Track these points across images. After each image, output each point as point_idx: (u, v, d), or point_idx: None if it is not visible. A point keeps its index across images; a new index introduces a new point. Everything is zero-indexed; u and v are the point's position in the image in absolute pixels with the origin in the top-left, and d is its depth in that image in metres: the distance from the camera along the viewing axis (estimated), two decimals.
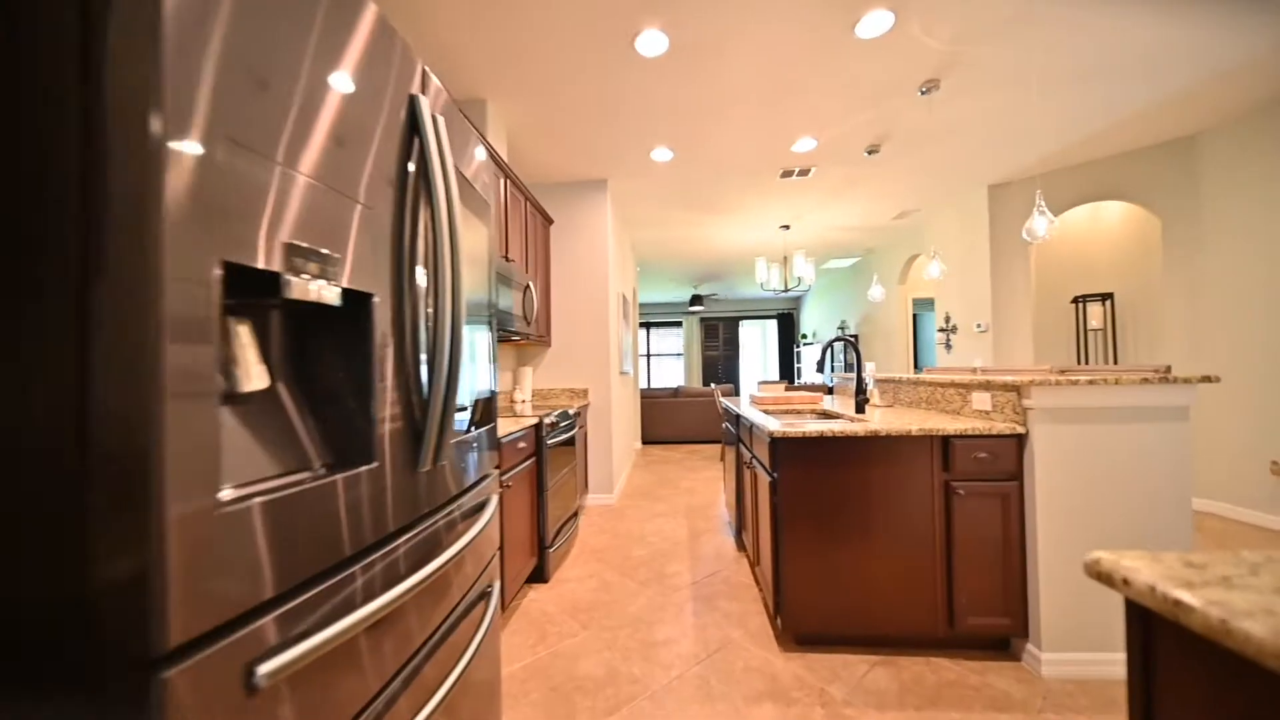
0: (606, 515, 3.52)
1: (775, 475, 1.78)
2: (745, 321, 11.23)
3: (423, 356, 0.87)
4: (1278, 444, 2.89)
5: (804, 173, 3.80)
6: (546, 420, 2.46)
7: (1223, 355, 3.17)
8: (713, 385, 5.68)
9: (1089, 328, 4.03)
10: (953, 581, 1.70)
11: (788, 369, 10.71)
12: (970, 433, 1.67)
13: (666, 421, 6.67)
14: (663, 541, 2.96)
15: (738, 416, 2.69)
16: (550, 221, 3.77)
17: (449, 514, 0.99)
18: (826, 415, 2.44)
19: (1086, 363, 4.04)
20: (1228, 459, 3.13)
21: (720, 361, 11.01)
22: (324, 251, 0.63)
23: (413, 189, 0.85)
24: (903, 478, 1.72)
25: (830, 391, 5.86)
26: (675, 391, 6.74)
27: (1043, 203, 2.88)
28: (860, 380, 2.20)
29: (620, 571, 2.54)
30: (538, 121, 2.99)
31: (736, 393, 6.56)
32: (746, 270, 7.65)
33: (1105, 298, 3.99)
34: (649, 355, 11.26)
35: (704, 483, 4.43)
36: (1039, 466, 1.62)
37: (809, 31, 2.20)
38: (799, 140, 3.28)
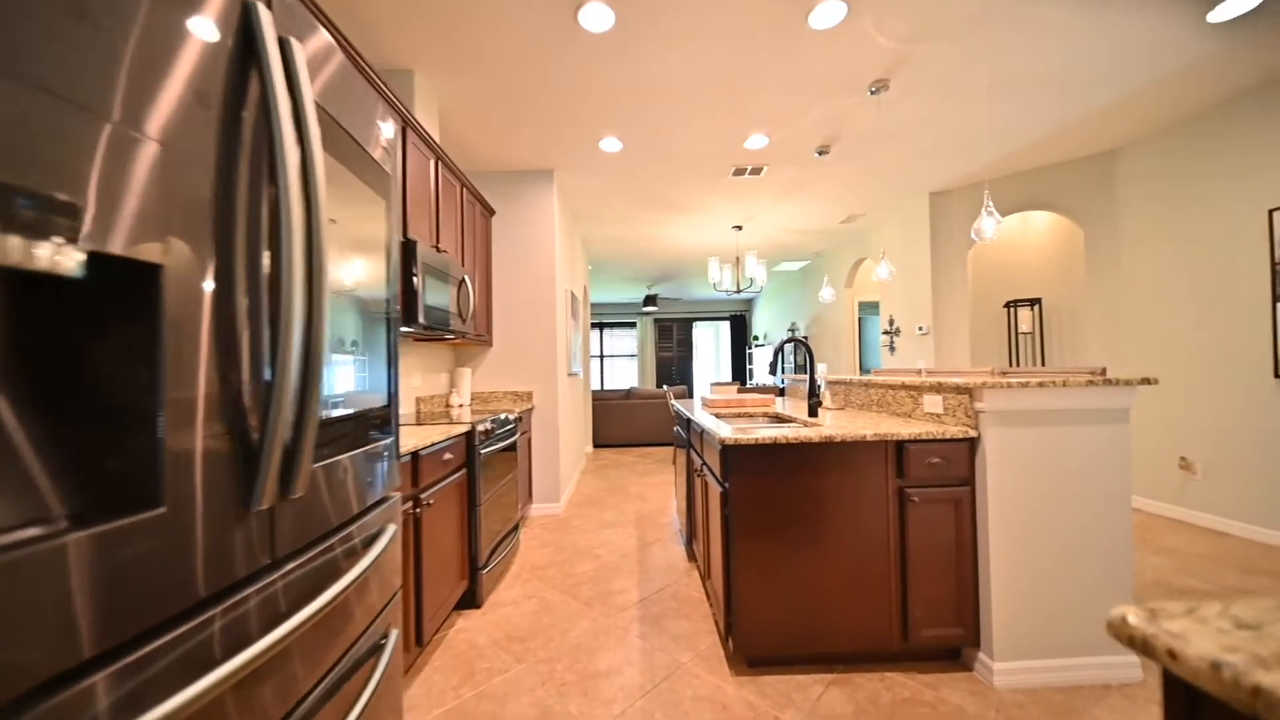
0: (552, 526, 3.31)
1: (726, 485, 1.66)
2: (699, 323, 11.27)
3: (271, 356, 0.65)
4: (1186, 441, 3.10)
5: (756, 171, 3.75)
6: (480, 427, 2.23)
7: (1138, 358, 3.38)
8: (665, 387, 5.57)
9: (1020, 331, 4.23)
10: (907, 592, 1.63)
11: (740, 370, 10.82)
12: (924, 437, 1.61)
13: (619, 424, 6.50)
14: (610, 554, 2.79)
15: (689, 421, 2.56)
16: (491, 212, 3.52)
17: (323, 553, 0.77)
18: (779, 419, 2.35)
19: (1017, 365, 4.23)
20: (1141, 456, 3.34)
21: (674, 362, 10.98)
22: (40, 194, 0.41)
23: (253, 133, 0.64)
24: (857, 485, 1.64)
25: (782, 393, 5.88)
26: (628, 393, 6.59)
27: (990, 203, 2.94)
28: (813, 383, 2.13)
29: (562, 590, 2.34)
30: (475, 101, 2.75)
31: (690, 394, 6.49)
32: (700, 271, 7.62)
33: (1034, 303, 4.20)
34: (602, 356, 11.06)
35: (655, 488, 4.29)
36: (991, 470, 1.58)
37: (761, 15, 2.10)
38: (751, 136, 3.21)
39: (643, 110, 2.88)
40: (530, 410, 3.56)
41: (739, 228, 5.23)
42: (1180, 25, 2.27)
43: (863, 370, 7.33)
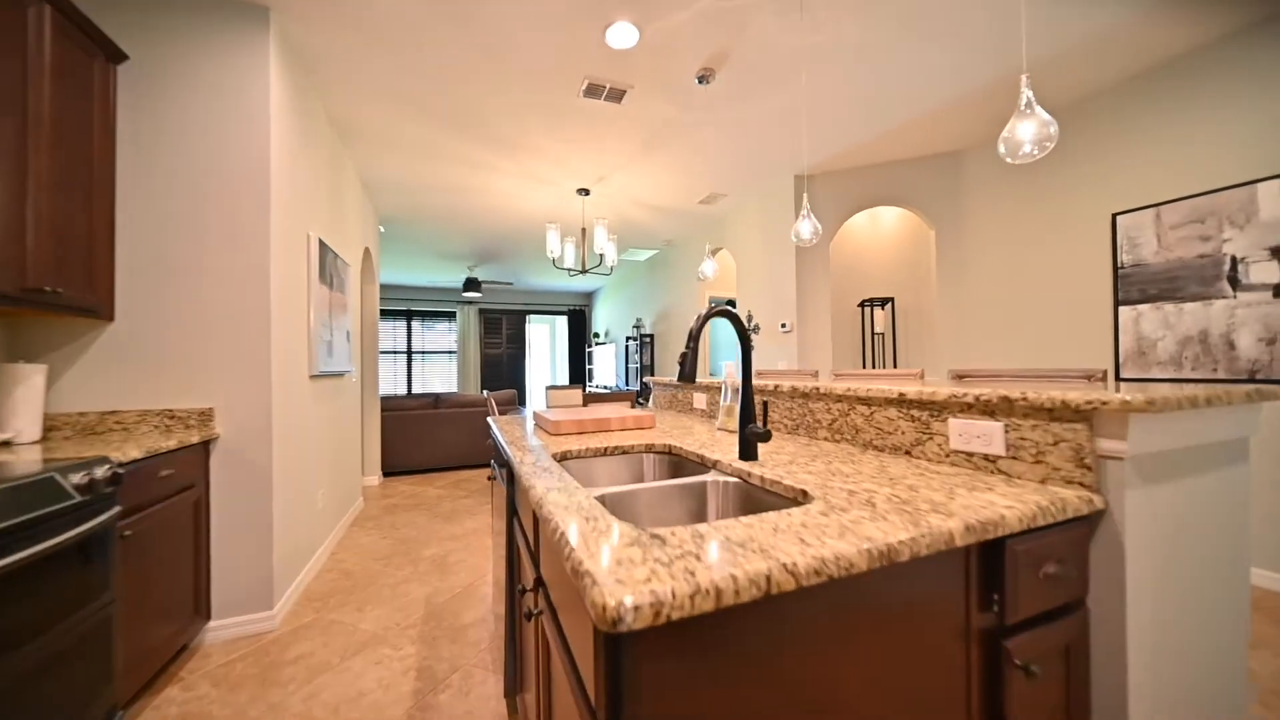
0: (250, 664, 1.74)
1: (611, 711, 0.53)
2: (534, 316, 9.93)
3: None
4: None
5: (616, 96, 2.72)
6: None
7: (984, 360, 3.34)
8: (486, 392, 4.21)
9: (874, 331, 4.08)
10: None
11: (580, 371, 9.84)
12: (1039, 522, 0.73)
13: (424, 442, 4.85)
14: None
15: (511, 473, 1.38)
16: (118, 58, 1.77)
17: None
18: (680, 458, 1.33)
19: (873, 367, 4.09)
20: None
21: (504, 362, 9.44)
22: None
23: None
24: (898, 647, 0.67)
25: (643, 398, 4.97)
26: (436, 400, 4.98)
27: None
28: (749, 398, 1.13)
29: None
30: None
31: (520, 400, 5.21)
32: (536, 250, 6.36)
33: (884, 302, 4.08)
34: (409, 352, 8.90)
35: (467, 542, 2.93)
36: (1133, 572, 0.78)
37: None
38: (616, 24, 2.16)
39: None
40: (210, 443, 1.90)
41: (585, 191, 4.17)
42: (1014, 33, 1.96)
43: (712, 373, 6.89)
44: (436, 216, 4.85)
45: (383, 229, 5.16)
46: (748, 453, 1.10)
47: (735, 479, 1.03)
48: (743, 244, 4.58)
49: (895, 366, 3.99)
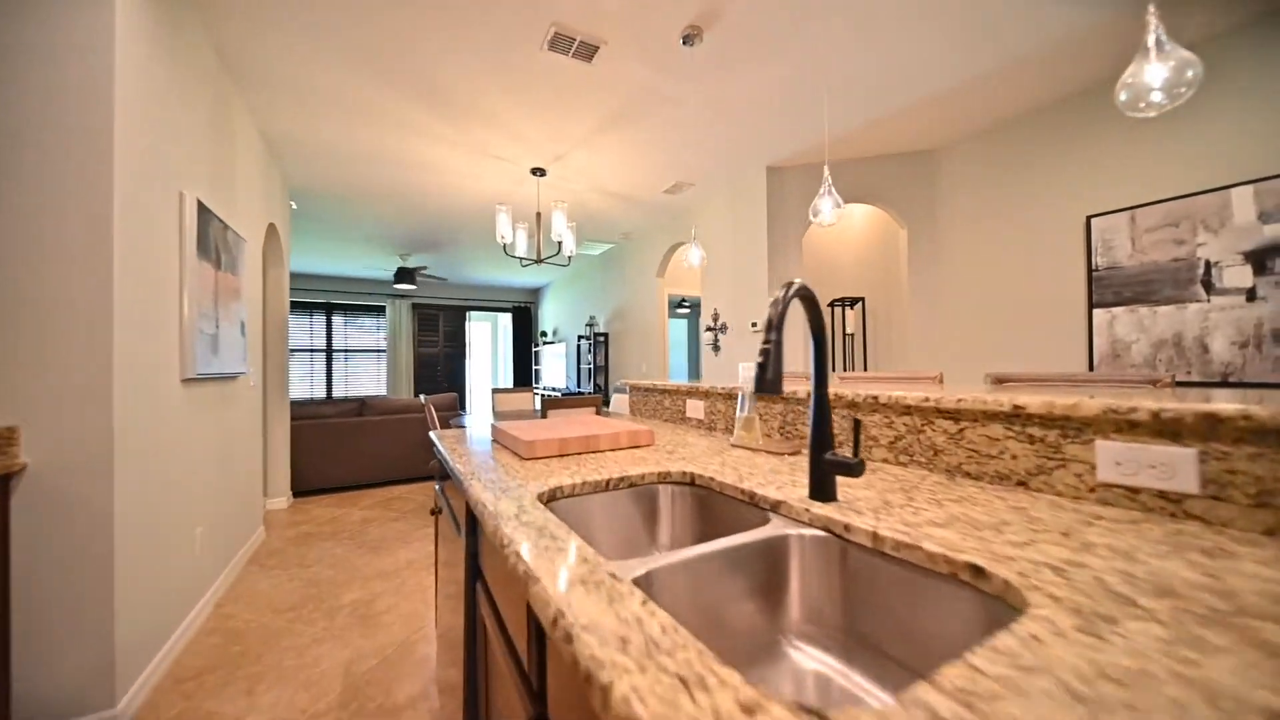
0: None
1: None
2: (475, 313, 9.23)
3: None
4: None
5: (586, 53, 2.34)
6: None
7: (957, 362, 3.29)
8: (423, 398, 3.66)
9: (845, 333, 3.97)
10: None
11: (525, 372, 9.26)
12: None
13: (345, 455, 4.18)
14: None
15: (473, 520, 0.99)
16: None
17: None
18: (707, 490, 0.99)
19: (850, 369, 3.98)
20: None
21: (440, 362, 8.67)
22: None
23: None
24: None
25: (604, 402, 4.55)
26: (361, 405, 4.32)
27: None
28: (824, 411, 0.80)
29: None
30: None
31: (461, 405, 4.65)
32: (480, 241, 5.79)
33: (854, 302, 3.99)
34: (329, 351, 7.93)
35: (398, 581, 2.43)
36: None
37: None
38: None
39: None
40: (8, 479, 1.32)
41: (540, 172, 3.73)
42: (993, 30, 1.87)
43: (696, 376, 6.37)
44: (364, 193, 4.20)
45: (294, 205, 4.41)
46: (824, 491, 0.78)
47: (818, 532, 0.71)
48: (708, 239, 4.33)
49: (866, 369, 3.90)
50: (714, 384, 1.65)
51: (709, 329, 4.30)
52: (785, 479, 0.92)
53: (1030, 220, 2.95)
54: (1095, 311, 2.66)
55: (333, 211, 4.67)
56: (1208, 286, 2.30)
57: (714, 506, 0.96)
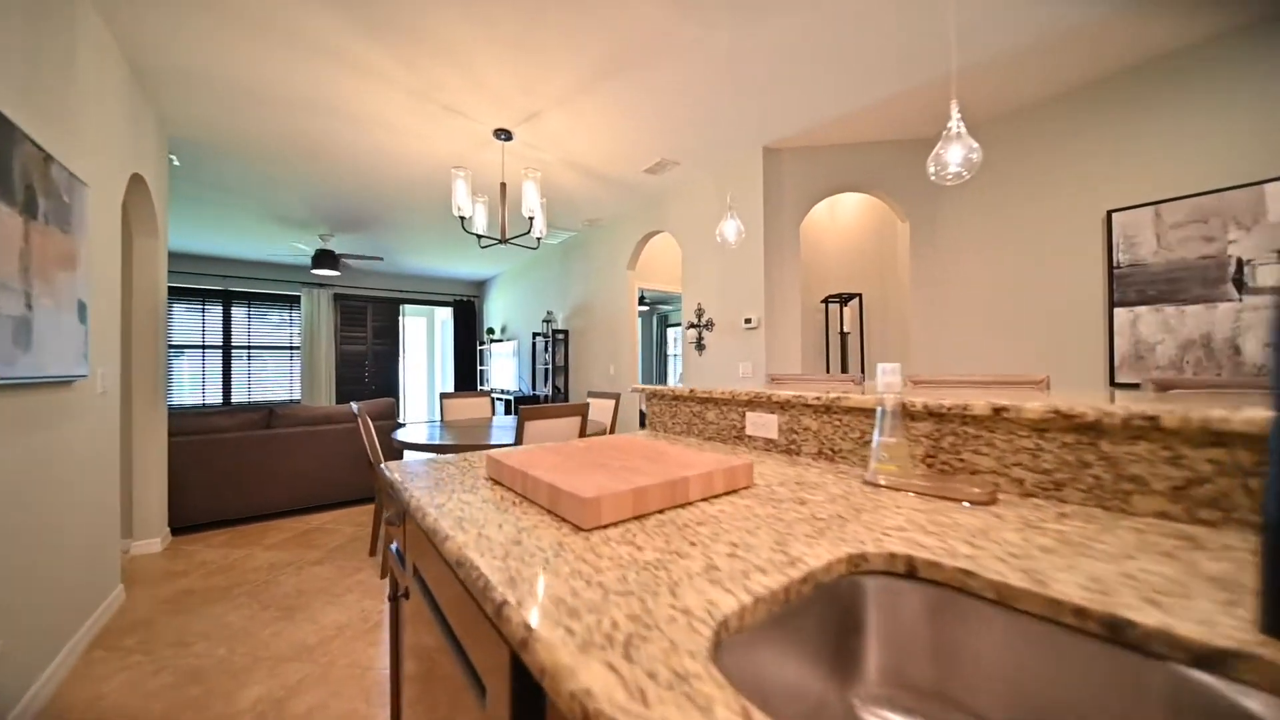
0: None
1: None
2: (411, 306, 8.25)
3: None
4: None
5: None
6: None
7: (960, 363, 3.12)
8: (354, 406, 2.94)
9: (843, 331, 3.71)
10: None
11: (469, 373, 8.42)
12: None
13: (247, 477, 3.33)
14: None
15: (535, 696, 0.47)
16: None
17: None
18: (939, 586, 0.54)
19: (844, 370, 3.72)
20: None
21: (368, 361, 7.64)
22: None
23: None
24: None
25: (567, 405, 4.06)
26: (269, 415, 3.48)
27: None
28: None
29: None
30: None
31: (396, 413, 3.92)
32: (423, 218, 5.02)
33: (848, 299, 3.74)
34: (227, 347, 6.70)
35: (325, 661, 1.77)
36: None
37: None
38: None
39: None
40: None
41: (505, 135, 3.14)
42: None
43: (662, 379, 5.70)
44: (273, 150, 3.37)
45: (176, 160, 3.47)
46: None
47: None
48: (691, 227, 3.93)
49: (864, 370, 3.67)
50: (797, 390, 1.22)
51: (691, 325, 3.90)
52: (1108, 569, 0.49)
53: (1043, 214, 2.81)
54: (1116, 310, 2.53)
55: (230, 173, 3.76)
56: (1239, 285, 2.21)
57: (966, 622, 0.52)
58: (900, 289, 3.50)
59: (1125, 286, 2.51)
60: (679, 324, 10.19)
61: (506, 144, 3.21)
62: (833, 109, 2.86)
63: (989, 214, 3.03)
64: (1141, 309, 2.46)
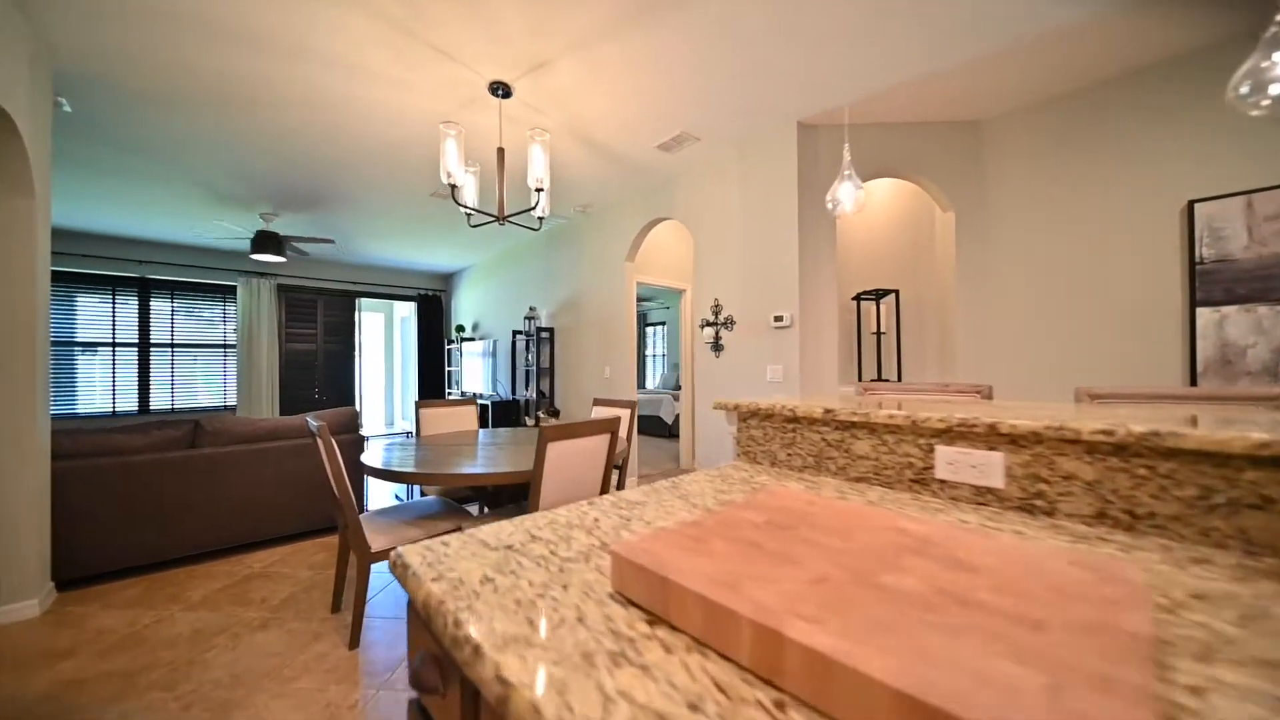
0: None
1: None
2: (366, 301, 7.42)
3: None
4: None
5: None
6: None
7: (1013, 369, 2.85)
8: (311, 423, 2.32)
9: (879, 331, 3.38)
10: None
11: (436, 376, 7.68)
12: None
13: (165, 509, 2.63)
14: None
15: None
16: None
17: None
18: None
19: (879, 376, 3.39)
20: None
21: (318, 363, 6.78)
22: None
23: None
24: None
25: (531, 418, 3.49)
26: (194, 430, 2.78)
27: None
28: None
29: None
30: None
31: (355, 426, 3.27)
32: (384, 196, 4.35)
33: (885, 295, 3.42)
34: (144, 345, 5.72)
35: None
36: None
37: None
38: None
39: None
40: None
41: (503, 91, 2.60)
42: None
43: (640, 383, 5.05)
44: (200, 96, 2.68)
45: (65, 103, 2.71)
46: None
47: None
48: (707, 213, 3.51)
49: (900, 377, 3.35)
50: (1003, 416, 0.80)
51: (707, 323, 3.47)
52: None
53: (1109, 204, 2.56)
54: (1199, 310, 2.30)
55: (144, 127, 3.01)
56: None
57: None
58: (938, 285, 3.21)
59: (1210, 284, 2.28)
60: (660, 322, 9.78)
61: (505, 101, 2.66)
62: (887, 76, 2.51)
63: (1043, 203, 2.77)
64: (1229, 309, 2.24)
